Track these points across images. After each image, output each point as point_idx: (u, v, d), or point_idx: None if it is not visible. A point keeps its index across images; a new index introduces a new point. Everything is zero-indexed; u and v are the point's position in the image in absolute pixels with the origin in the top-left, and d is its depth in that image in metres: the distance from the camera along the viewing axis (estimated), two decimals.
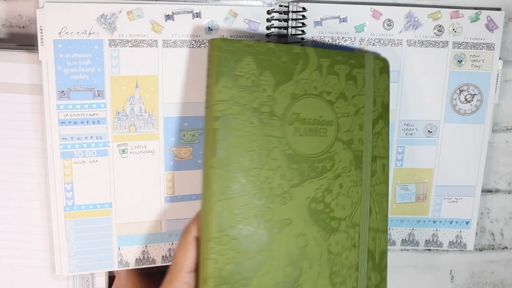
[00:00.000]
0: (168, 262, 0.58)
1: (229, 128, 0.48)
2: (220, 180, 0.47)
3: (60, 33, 0.50)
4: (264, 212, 0.49)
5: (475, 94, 0.59)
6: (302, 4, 0.55)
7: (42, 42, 0.50)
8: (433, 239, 0.62)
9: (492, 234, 0.66)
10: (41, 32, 0.50)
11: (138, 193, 0.55)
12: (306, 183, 0.51)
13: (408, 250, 0.66)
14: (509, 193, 0.65)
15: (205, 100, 0.49)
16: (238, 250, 0.47)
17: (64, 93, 0.52)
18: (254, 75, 0.48)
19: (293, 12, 0.55)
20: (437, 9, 0.57)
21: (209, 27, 0.54)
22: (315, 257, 0.51)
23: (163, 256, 0.57)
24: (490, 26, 0.57)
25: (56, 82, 0.51)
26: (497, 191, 0.65)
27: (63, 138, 0.52)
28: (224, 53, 0.47)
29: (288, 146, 0.50)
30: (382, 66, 0.54)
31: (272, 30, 0.55)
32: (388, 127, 0.55)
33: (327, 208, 0.52)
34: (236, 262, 0.47)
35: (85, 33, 0.51)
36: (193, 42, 0.54)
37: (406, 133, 0.59)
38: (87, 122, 0.53)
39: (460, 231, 0.62)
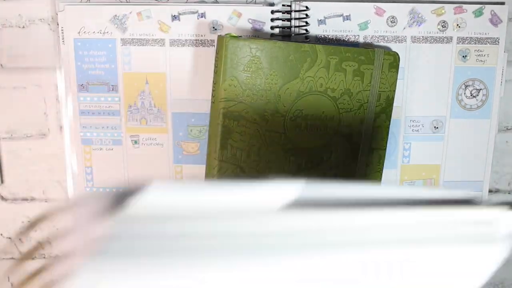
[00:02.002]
0: None
1: (232, 124, 0.50)
2: (222, 171, 0.51)
3: (79, 32, 0.55)
4: None
5: (481, 89, 0.59)
6: (305, 3, 0.55)
7: (63, 41, 0.55)
8: None
9: None
10: (62, 32, 0.55)
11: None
12: (302, 174, 0.53)
13: None
14: (509, 193, 0.64)
15: (211, 94, 0.50)
16: None
17: (83, 87, 0.57)
18: (260, 74, 0.49)
19: (296, 11, 0.55)
20: (441, 5, 0.57)
21: (213, 27, 0.55)
22: None
23: None
24: (494, 20, 0.57)
25: (77, 76, 0.56)
26: (497, 191, 0.64)
27: (83, 127, 0.58)
28: (232, 51, 0.48)
29: (288, 141, 0.52)
30: (392, 61, 0.54)
31: (277, 29, 0.55)
32: (390, 120, 0.56)
33: None
34: None
35: (100, 32, 0.55)
36: (198, 41, 0.56)
37: (412, 130, 0.60)
38: (103, 113, 0.58)
39: None
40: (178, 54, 0.56)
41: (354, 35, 0.57)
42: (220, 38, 0.49)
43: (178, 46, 0.56)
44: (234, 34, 0.50)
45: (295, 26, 0.56)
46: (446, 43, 0.58)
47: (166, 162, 0.59)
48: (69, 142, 0.58)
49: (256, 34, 0.55)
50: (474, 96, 0.59)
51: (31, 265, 0.66)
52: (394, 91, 0.55)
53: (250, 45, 0.49)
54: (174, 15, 0.55)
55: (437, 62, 0.58)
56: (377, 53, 0.53)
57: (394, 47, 0.57)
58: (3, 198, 0.61)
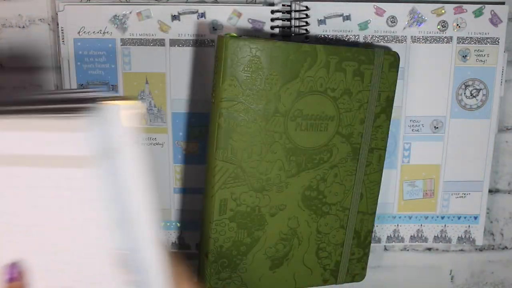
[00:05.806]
0: (177, 249, 0.61)
1: (232, 124, 0.50)
2: (222, 171, 0.51)
3: (79, 32, 0.56)
4: (261, 199, 0.53)
5: (481, 89, 0.59)
6: (305, 3, 0.55)
7: (63, 41, 0.56)
8: (441, 235, 0.62)
9: (492, 234, 0.65)
10: (62, 32, 0.56)
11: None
12: (302, 173, 0.53)
13: (408, 250, 0.65)
14: (509, 193, 0.64)
15: (211, 94, 0.50)
16: (236, 231, 0.53)
17: (83, 87, 0.57)
18: (260, 73, 0.49)
19: (296, 11, 0.55)
20: (441, 5, 0.57)
21: (213, 27, 0.55)
22: (305, 236, 0.56)
23: (172, 243, 0.61)
24: (494, 20, 0.57)
25: (77, 76, 0.57)
26: (497, 191, 0.64)
27: None
28: (231, 51, 0.48)
29: (289, 141, 0.52)
30: (392, 61, 0.54)
31: (277, 29, 0.55)
32: (390, 120, 0.56)
33: (320, 195, 0.55)
34: (233, 240, 0.53)
35: (100, 32, 0.56)
36: (198, 41, 0.56)
37: (412, 130, 0.60)
38: None
39: (469, 226, 0.62)
40: (178, 54, 0.56)
41: (354, 35, 0.57)
42: (220, 38, 0.49)
43: (178, 46, 0.56)
44: (234, 34, 0.49)
45: (295, 26, 0.56)
46: (446, 43, 0.58)
47: (166, 162, 0.59)
48: None
49: (256, 34, 0.55)
50: (474, 96, 0.59)
51: None
52: (394, 91, 0.55)
53: (250, 45, 0.49)
54: (174, 15, 0.55)
55: (437, 62, 0.58)
56: (377, 53, 0.53)
57: (394, 47, 0.57)
58: None
